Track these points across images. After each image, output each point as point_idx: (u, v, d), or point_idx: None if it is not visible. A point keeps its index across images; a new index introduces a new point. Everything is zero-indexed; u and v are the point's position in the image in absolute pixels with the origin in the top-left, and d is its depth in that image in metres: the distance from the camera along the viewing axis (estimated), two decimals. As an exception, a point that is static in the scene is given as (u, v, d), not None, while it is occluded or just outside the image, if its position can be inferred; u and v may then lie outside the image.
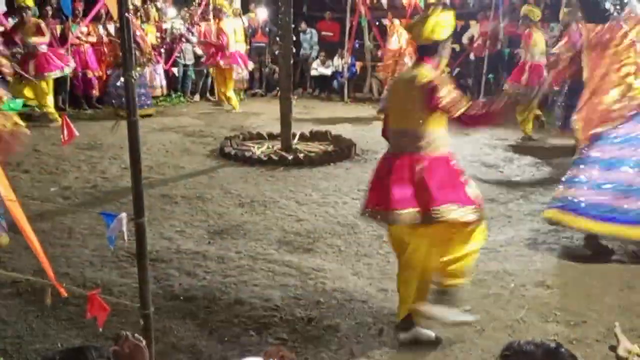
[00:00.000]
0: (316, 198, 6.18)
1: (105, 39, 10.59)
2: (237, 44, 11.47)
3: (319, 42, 13.33)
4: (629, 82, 4.61)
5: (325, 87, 12.96)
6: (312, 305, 3.99)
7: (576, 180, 4.72)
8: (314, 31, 13.37)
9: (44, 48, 9.04)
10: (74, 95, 10.49)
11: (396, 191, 3.36)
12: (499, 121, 3.55)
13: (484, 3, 11.81)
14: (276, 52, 11.40)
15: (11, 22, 9.43)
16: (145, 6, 11.11)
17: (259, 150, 7.88)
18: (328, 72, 12.90)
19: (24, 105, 9.32)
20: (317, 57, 13.04)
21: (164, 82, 11.65)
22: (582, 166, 4.74)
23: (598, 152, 4.66)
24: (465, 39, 11.99)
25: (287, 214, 5.70)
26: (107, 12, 9.93)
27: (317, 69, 12.95)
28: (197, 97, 12.01)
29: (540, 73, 8.23)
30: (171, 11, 12.06)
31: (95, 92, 10.74)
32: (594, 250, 4.77)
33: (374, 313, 3.91)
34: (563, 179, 4.91)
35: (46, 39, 9.18)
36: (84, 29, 10.42)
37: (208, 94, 12.06)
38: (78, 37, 10.30)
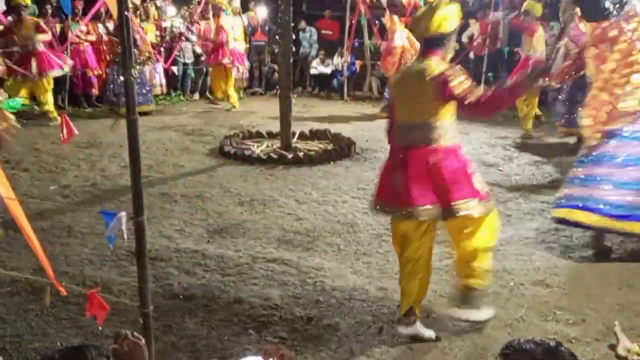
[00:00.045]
0: (316, 197, 6.18)
1: (105, 38, 10.58)
2: (236, 42, 11.50)
3: (318, 40, 13.32)
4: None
5: (324, 86, 12.95)
6: (312, 304, 4.00)
7: (591, 179, 4.63)
8: (313, 30, 13.36)
9: (42, 46, 9.02)
10: (74, 93, 10.48)
11: (415, 187, 3.37)
12: (520, 94, 3.45)
13: (483, 2, 11.79)
14: (276, 51, 11.39)
15: (11, 21, 9.41)
16: (145, 5, 11.10)
17: (258, 149, 7.87)
18: (328, 70, 12.89)
19: (23, 104, 9.36)
20: (316, 56, 13.03)
21: (164, 81, 11.64)
22: (594, 164, 4.65)
23: (613, 149, 4.59)
24: (464, 38, 11.97)
25: (287, 213, 5.70)
26: (107, 11, 9.91)
27: (317, 67, 12.94)
28: (196, 96, 12.00)
29: None
30: (171, 10, 12.05)
31: (95, 91, 10.73)
32: (599, 250, 4.75)
33: (374, 312, 3.91)
34: (573, 177, 4.80)
35: (48, 36, 9.18)
36: (84, 28, 10.40)
37: (208, 93, 12.05)
38: (78, 36, 10.29)
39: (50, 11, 10.38)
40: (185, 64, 11.90)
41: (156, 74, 11.32)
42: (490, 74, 10.94)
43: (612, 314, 3.83)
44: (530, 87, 3.56)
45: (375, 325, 3.74)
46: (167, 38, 11.54)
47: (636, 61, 4.59)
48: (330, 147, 7.99)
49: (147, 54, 10.18)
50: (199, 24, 10.94)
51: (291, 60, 8.09)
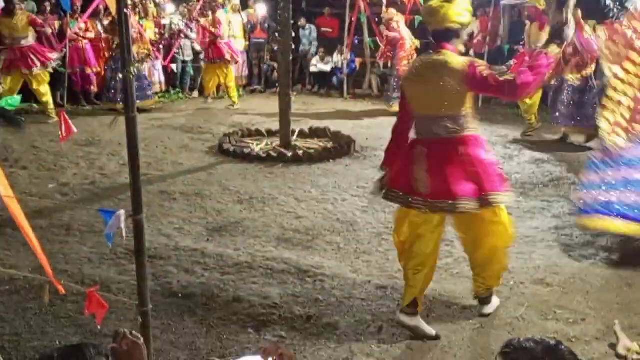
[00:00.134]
0: (315, 195, 6.17)
1: (103, 35, 10.56)
2: (235, 40, 11.49)
3: (318, 38, 13.30)
4: None
5: (324, 84, 12.94)
6: (311, 303, 3.99)
7: (621, 183, 4.55)
8: (313, 27, 13.34)
9: (29, 42, 9.01)
10: (73, 91, 10.46)
11: (449, 179, 3.38)
12: (550, 63, 3.37)
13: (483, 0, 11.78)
14: (275, 49, 11.37)
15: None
16: (144, 2, 11.07)
17: (257, 146, 7.86)
18: (327, 68, 12.87)
19: (23, 101, 9.34)
20: (316, 54, 13.01)
21: (163, 78, 11.62)
22: (617, 167, 4.57)
23: (634, 153, 4.53)
24: (464, 36, 11.97)
25: (286, 211, 5.69)
26: (106, 8, 9.89)
27: (317, 65, 12.92)
28: (195, 94, 11.98)
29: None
30: (170, 7, 12.02)
31: (94, 88, 10.71)
32: (633, 254, 4.65)
33: (373, 311, 3.90)
34: (592, 182, 4.68)
35: (48, 30, 9.19)
36: (82, 25, 10.37)
37: (197, 92, 12.04)
38: (76, 33, 10.27)
39: (49, 8, 10.36)
40: (184, 62, 11.88)
41: (155, 72, 11.30)
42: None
43: (612, 313, 3.83)
44: (558, 52, 3.43)
45: (375, 324, 3.74)
46: (166, 35, 11.50)
47: None
48: (329, 145, 7.98)
49: (146, 52, 10.16)
50: (198, 22, 10.92)
51: (291, 57, 8.07)
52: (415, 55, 10.26)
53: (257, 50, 12.98)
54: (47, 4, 10.34)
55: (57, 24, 10.39)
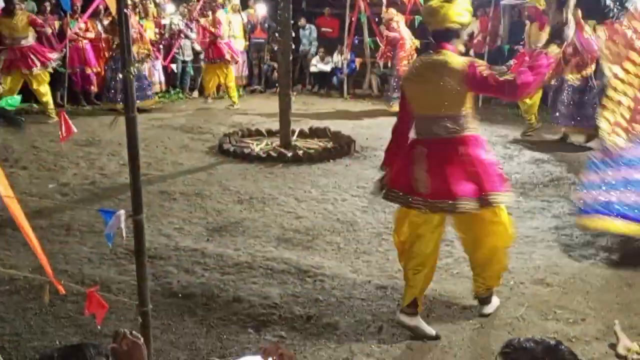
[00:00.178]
0: (315, 195, 6.17)
1: (103, 35, 10.57)
2: (235, 40, 11.48)
3: (318, 38, 13.30)
4: None
5: (324, 84, 12.94)
6: (311, 303, 3.99)
7: (621, 183, 4.52)
8: (313, 27, 13.34)
9: (29, 42, 9.01)
10: (73, 91, 10.46)
11: (449, 179, 3.39)
12: (550, 61, 3.37)
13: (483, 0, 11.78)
14: (275, 49, 11.36)
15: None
16: (144, 2, 11.07)
17: (257, 146, 7.86)
18: (327, 68, 12.87)
19: (23, 101, 9.35)
20: (316, 54, 13.01)
21: (163, 78, 11.62)
22: (617, 167, 4.55)
23: (634, 153, 4.51)
24: (464, 36, 11.97)
25: (286, 211, 5.69)
26: (106, 8, 9.89)
27: (317, 65, 12.92)
28: (195, 94, 11.98)
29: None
30: (170, 7, 12.02)
31: (94, 88, 10.71)
32: (633, 254, 4.63)
33: (373, 311, 3.90)
34: (592, 182, 4.65)
35: (48, 30, 9.19)
36: (82, 25, 10.37)
37: (197, 92, 12.03)
38: (76, 33, 10.27)
39: (49, 8, 10.35)
40: (184, 62, 11.88)
41: (155, 72, 11.30)
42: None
43: (612, 313, 3.83)
44: (558, 52, 3.45)
45: (375, 324, 3.74)
46: (166, 35, 11.50)
47: None
48: (329, 145, 7.98)
49: (146, 52, 10.16)
50: (198, 22, 10.92)
51: (291, 57, 8.07)
52: (415, 55, 10.28)
53: (257, 50, 12.98)
54: (47, 4, 10.34)
55: (57, 24, 10.39)
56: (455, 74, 3.37)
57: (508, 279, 4.26)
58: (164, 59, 11.27)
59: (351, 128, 9.03)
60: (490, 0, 10.86)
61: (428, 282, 3.67)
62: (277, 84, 10.39)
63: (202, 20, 10.77)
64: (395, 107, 10.07)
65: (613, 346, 3.43)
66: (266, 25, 12.85)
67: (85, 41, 10.50)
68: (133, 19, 9.35)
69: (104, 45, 10.52)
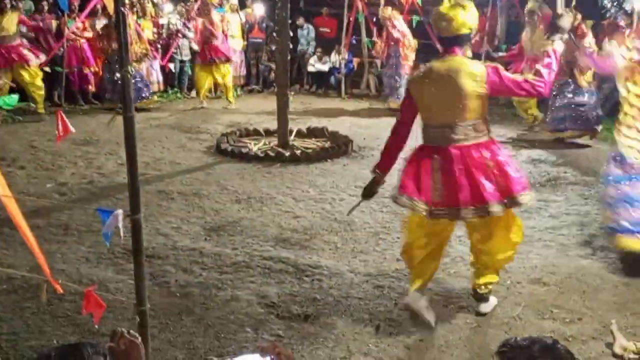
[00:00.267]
0: (313, 194, 6.17)
1: (98, 44, 10.56)
2: (233, 40, 11.46)
3: (316, 38, 13.29)
4: None
5: (322, 83, 12.94)
6: (309, 302, 3.99)
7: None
8: (311, 27, 13.33)
9: (17, 41, 9.05)
10: (70, 90, 10.45)
11: (481, 185, 3.44)
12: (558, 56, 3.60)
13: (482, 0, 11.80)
14: (273, 49, 11.35)
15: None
16: (142, 1, 11.06)
17: (255, 146, 7.86)
18: (325, 68, 12.87)
19: (20, 100, 9.39)
20: (314, 53, 13.01)
21: (161, 78, 11.60)
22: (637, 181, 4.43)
23: None
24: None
25: (284, 211, 5.69)
26: (104, 8, 9.88)
27: (314, 65, 12.92)
28: (193, 93, 11.95)
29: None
30: (167, 7, 12.01)
31: (92, 88, 10.70)
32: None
33: (371, 310, 3.91)
34: (618, 198, 4.48)
35: (31, 35, 9.25)
36: (80, 25, 10.36)
37: (194, 92, 12.01)
38: (74, 33, 10.26)
39: (46, 7, 10.34)
40: (182, 61, 11.86)
41: (153, 71, 11.29)
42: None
43: (609, 312, 3.84)
44: (562, 43, 3.64)
45: (373, 324, 3.74)
46: (164, 35, 11.51)
47: None
48: (327, 145, 7.98)
49: (144, 51, 10.16)
50: (196, 21, 10.90)
51: (288, 57, 8.08)
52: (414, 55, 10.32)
53: (255, 50, 12.97)
54: (45, 3, 10.33)
55: (54, 23, 10.38)
56: (477, 78, 3.42)
57: (505, 279, 4.27)
58: (162, 58, 11.25)
59: (349, 128, 9.04)
60: (487, 0, 10.86)
61: (435, 270, 3.85)
62: (274, 84, 10.37)
63: (200, 20, 10.74)
64: (393, 104, 10.13)
65: (610, 345, 3.44)
66: (264, 25, 12.85)
67: (82, 40, 10.49)
68: (130, 19, 9.34)
69: (101, 44, 10.50)
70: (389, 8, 10.36)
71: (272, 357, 1.91)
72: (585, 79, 7.83)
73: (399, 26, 10.29)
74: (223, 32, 10.59)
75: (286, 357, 1.93)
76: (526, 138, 8.51)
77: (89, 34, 10.60)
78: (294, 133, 8.21)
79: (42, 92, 9.34)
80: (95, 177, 6.62)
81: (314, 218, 5.54)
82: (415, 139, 3.76)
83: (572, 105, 7.90)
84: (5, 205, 2.89)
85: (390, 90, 10.50)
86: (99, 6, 10.03)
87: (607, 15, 9.31)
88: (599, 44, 7.75)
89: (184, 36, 11.46)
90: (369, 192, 3.88)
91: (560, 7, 3.47)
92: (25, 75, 9.11)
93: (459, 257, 4.47)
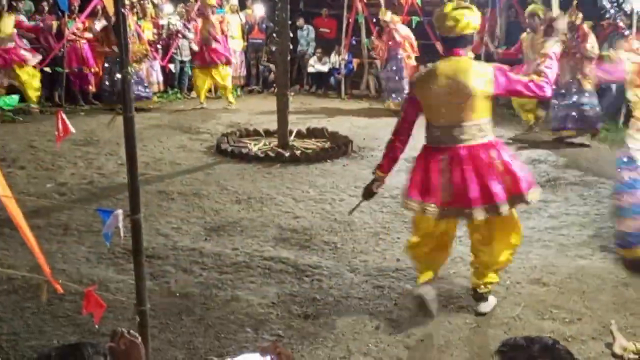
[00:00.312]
0: (313, 195, 6.18)
1: (98, 49, 10.57)
2: (233, 40, 11.46)
3: (315, 38, 13.30)
4: None
5: (322, 84, 12.95)
6: (309, 302, 4.00)
7: None
8: (311, 28, 13.34)
9: (12, 44, 9.08)
10: (71, 91, 10.46)
11: (491, 185, 3.47)
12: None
13: (480, 1, 11.80)
14: (273, 49, 11.35)
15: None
16: (142, 2, 11.06)
17: (255, 146, 7.87)
18: (325, 68, 12.88)
19: (20, 100, 9.41)
20: (314, 54, 13.02)
21: (161, 79, 11.61)
22: None
23: None
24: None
25: (284, 211, 5.69)
26: (104, 9, 9.88)
27: (314, 65, 12.93)
28: (193, 94, 11.95)
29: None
30: (168, 7, 12.02)
31: (92, 88, 10.71)
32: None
33: (371, 310, 3.91)
34: (636, 205, 4.44)
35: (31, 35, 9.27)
36: (80, 25, 10.37)
37: (193, 93, 12.02)
38: (74, 33, 10.26)
39: (46, 8, 10.35)
40: (182, 62, 11.87)
41: (153, 72, 11.30)
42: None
43: (608, 312, 3.84)
44: (558, 45, 3.72)
45: (372, 324, 3.75)
46: (164, 36, 11.51)
47: None
48: (327, 145, 7.99)
49: (144, 52, 10.16)
50: (196, 22, 10.90)
51: (288, 58, 8.08)
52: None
53: (255, 51, 12.98)
54: (45, 3, 10.33)
55: (55, 24, 10.38)
56: (485, 78, 3.45)
57: (504, 279, 4.27)
58: (162, 59, 11.26)
59: (348, 128, 9.05)
60: (487, 1, 10.87)
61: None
62: (274, 85, 10.37)
63: (200, 22, 10.74)
64: (393, 105, 10.15)
65: (609, 345, 3.44)
66: (264, 25, 12.85)
67: (83, 41, 10.49)
68: (130, 20, 9.34)
69: (99, 47, 10.50)
70: (389, 12, 10.36)
71: (273, 357, 1.91)
72: (588, 82, 7.83)
73: (401, 29, 10.30)
74: (223, 33, 10.58)
75: (286, 356, 1.94)
76: (525, 138, 8.50)
77: (89, 34, 10.61)
78: (293, 133, 8.22)
79: (38, 93, 9.37)
80: (95, 177, 6.62)
81: (314, 218, 5.54)
82: (414, 139, 3.77)
83: (575, 106, 7.91)
84: (5, 206, 2.89)
85: (389, 92, 10.50)
86: (99, 7, 10.04)
87: (607, 16, 9.33)
88: (600, 44, 7.79)
89: (184, 37, 11.46)
90: (370, 192, 3.90)
91: (555, 9, 3.53)
92: (23, 75, 9.13)
93: (458, 257, 4.48)
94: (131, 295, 3.12)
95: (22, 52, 9.20)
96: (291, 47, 8.81)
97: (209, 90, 11.42)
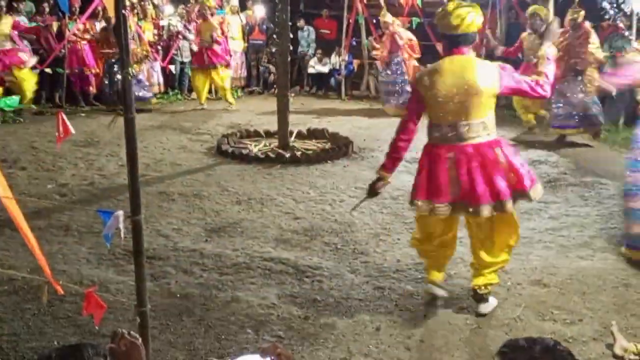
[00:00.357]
0: (313, 196, 6.18)
1: (99, 51, 10.58)
2: (234, 41, 11.47)
3: (316, 39, 13.32)
4: None
5: (322, 85, 12.96)
6: (309, 303, 4.00)
7: None
8: (311, 29, 13.35)
9: (8, 46, 9.10)
10: (71, 92, 10.47)
11: (497, 182, 3.53)
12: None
13: (480, 2, 11.79)
14: (273, 50, 11.36)
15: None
16: (143, 3, 11.08)
17: (256, 147, 7.87)
18: (325, 69, 12.89)
19: (21, 102, 9.42)
20: (314, 55, 13.03)
21: (161, 80, 11.63)
22: None
23: None
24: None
25: (284, 212, 5.69)
26: (104, 10, 9.89)
27: (315, 66, 12.94)
28: (194, 94, 11.96)
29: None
30: (168, 8, 12.04)
31: (93, 89, 10.72)
32: None
33: (371, 311, 3.91)
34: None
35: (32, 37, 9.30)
36: (81, 26, 10.38)
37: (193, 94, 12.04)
38: (75, 34, 10.27)
39: (47, 9, 10.36)
40: (182, 63, 11.88)
41: (154, 73, 11.31)
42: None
43: (609, 313, 3.84)
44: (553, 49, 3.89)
45: (373, 325, 3.74)
46: (165, 37, 11.53)
47: None
48: (327, 146, 7.99)
49: (145, 53, 10.17)
50: (197, 23, 10.91)
51: (289, 59, 8.08)
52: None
53: (256, 52, 13.00)
54: (46, 4, 10.34)
55: (55, 25, 10.39)
56: (491, 77, 3.49)
57: (505, 280, 4.27)
58: (163, 60, 11.28)
59: (349, 129, 9.05)
60: (487, 2, 10.86)
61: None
62: (275, 86, 10.37)
63: (200, 22, 10.75)
64: (389, 110, 10.18)
65: (610, 346, 3.44)
66: (264, 26, 12.87)
67: (83, 42, 10.50)
68: (131, 21, 9.36)
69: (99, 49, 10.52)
70: (388, 14, 10.36)
71: (273, 358, 1.91)
72: (591, 87, 7.84)
73: (403, 33, 10.31)
74: (223, 34, 10.59)
75: (287, 358, 1.93)
76: (526, 139, 8.50)
77: (89, 35, 10.62)
78: (294, 134, 8.22)
79: (31, 95, 9.39)
80: (96, 178, 6.62)
81: (314, 219, 5.54)
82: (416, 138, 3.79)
83: (577, 104, 7.92)
84: (6, 207, 2.89)
85: (387, 95, 10.51)
86: (99, 8, 10.06)
87: (606, 17, 9.33)
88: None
89: (185, 38, 11.48)
90: (374, 190, 3.89)
91: (550, 12, 3.69)
92: (20, 75, 9.15)
93: (459, 258, 4.47)
94: (132, 296, 3.12)
95: (20, 54, 9.19)
96: (291, 48, 8.82)
97: (209, 92, 11.42)
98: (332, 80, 12.82)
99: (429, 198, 3.60)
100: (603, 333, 3.60)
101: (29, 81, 9.28)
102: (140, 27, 10.49)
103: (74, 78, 10.49)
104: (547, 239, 5.09)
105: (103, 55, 10.19)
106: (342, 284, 4.28)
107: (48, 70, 9.71)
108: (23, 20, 9.92)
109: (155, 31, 11.34)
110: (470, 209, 3.57)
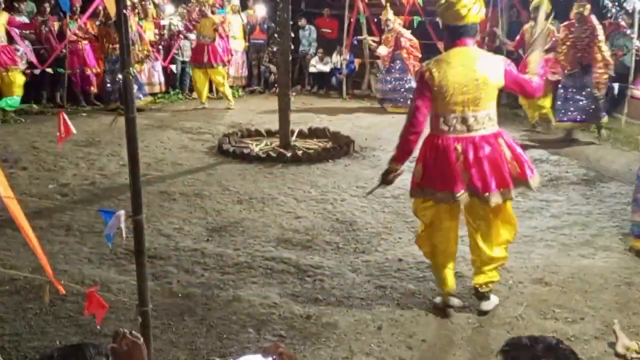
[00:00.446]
0: (315, 195, 6.17)
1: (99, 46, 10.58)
2: (235, 41, 11.45)
3: (317, 38, 13.31)
4: None
5: (323, 84, 12.95)
6: (311, 302, 4.00)
7: None
8: (312, 28, 13.35)
9: (3, 42, 9.14)
10: (72, 92, 10.47)
11: (502, 170, 3.58)
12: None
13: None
14: (274, 50, 11.35)
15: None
16: (143, 3, 11.07)
17: (257, 147, 7.87)
18: (326, 68, 12.87)
19: (22, 102, 9.42)
20: (315, 54, 13.02)
21: (162, 79, 11.62)
22: None
23: None
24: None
25: (286, 211, 5.69)
26: (105, 9, 9.88)
27: (316, 65, 12.92)
28: (195, 94, 11.96)
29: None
30: (169, 8, 12.03)
31: (94, 89, 10.71)
32: None
33: (373, 310, 3.91)
34: None
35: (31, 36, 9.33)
36: (82, 26, 10.37)
37: (194, 93, 12.03)
38: (76, 34, 10.27)
39: (48, 9, 10.36)
40: (183, 62, 11.87)
41: (155, 72, 11.31)
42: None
43: (611, 312, 3.84)
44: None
45: (375, 324, 3.74)
46: (166, 36, 11.52)
47: None
48: (329, 145, 7.99)
49: (145, 52, 10.16)
50: (198, 22, 10.90)
51: (290, 58, 8.08)
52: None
53: (257, 51, 12.99)
54: (47, 4, 10.34)
55: (56, 24, 10.39)
56: (497, 69, 3.55)
57: (507, 278, 4.27)
58: (164, 59, 11.27)
59: (350, 128, 9.04)
60: (489, 0, 10.85)
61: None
62: (276, 85, 10.36)
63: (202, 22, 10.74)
64: (390, 109, 10.18)
65: (612, 345, 3.44)
66: (265, 26, 12.86)
67: (84, 42, 10.50)
68: (132, 21, 9.35)
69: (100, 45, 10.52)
70: (390, 12, 10.34)
71: (275, 357, 1.91)
72: (598, 87, 7.89)
73: (406, 34, 10.30)
74: (224, 33, 10.59)
75: (288, 357, 1.93)
76: (528, 138, 8.49)
77: (90, 35, 10.61)
78: (295, 134, 8.22)
79: (21, 92, 9.46)
80: (97, 178, 6.62)
81: (316, 218, 5.54)
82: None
83: (582, 95, 7.93)
84: (7, 206, 2.89)
85: (389, 95, 10.50)
86: (100, 7, 10.05)
87: (608, 16, 9.31)
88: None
89: (185, 37, 11.47)
90: (387, 179, 3.80)
91: (541, 18, 3.84)
92: (8, 76, 9.18)
93: (460, 256, 4.46)
94: (133, 296, 3.12)
95: (17, 56, 9.23)
96: (293, 47, 8.81)
97: (210, 91, 11.42)
98: (334, 80, 12.81)
99: (444, 189, 3.62)
100: (605, 331, 3.59)
101: (17, 83, 9.30)
102: (142, 26, 10.48)
103: (75, 78, 10.49)
104: (549, 238, 5.08)
105: (104, 51, 10.16)
106: (343, 283, 4.28)
107: (49, 70, 9.70)
108: (24, 21, 9.93)
109: (156, 31, 11.32)
110: (480, 198, 3.59)
